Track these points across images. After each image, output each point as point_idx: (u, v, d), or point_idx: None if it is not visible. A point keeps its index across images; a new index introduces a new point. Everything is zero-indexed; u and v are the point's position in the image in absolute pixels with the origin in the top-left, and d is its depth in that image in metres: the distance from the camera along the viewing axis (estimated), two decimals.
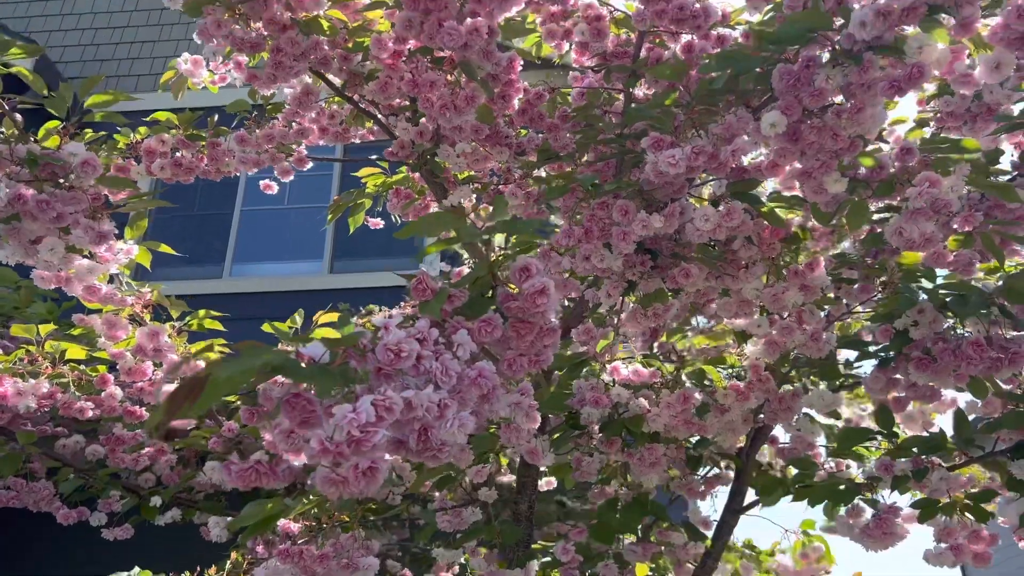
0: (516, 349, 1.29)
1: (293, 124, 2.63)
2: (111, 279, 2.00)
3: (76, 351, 2.36)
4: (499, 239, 2.75)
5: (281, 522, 1.98)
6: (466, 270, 1.39)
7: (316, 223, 5.91)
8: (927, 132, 2.17)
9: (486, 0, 1.63)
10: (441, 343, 1.11)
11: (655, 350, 2.76)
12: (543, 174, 2.66)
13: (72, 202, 1.64)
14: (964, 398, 2.23)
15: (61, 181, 1.68)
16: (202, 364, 2.23)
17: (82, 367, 2.49)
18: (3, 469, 2.56)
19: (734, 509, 2.72)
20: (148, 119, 2.51)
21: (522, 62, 2.10)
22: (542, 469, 2.64)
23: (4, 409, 2.42)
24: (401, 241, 5.40)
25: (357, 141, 2.82)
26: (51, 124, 1.75)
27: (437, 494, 2.87)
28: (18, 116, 1.69)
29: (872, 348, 2.26)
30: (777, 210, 1.93)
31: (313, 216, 5.97)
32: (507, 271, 1.28)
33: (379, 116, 2.61)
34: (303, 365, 0.91)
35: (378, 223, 3.43)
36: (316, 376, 0.90)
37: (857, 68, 1.45)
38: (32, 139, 1.73)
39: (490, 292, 1.32)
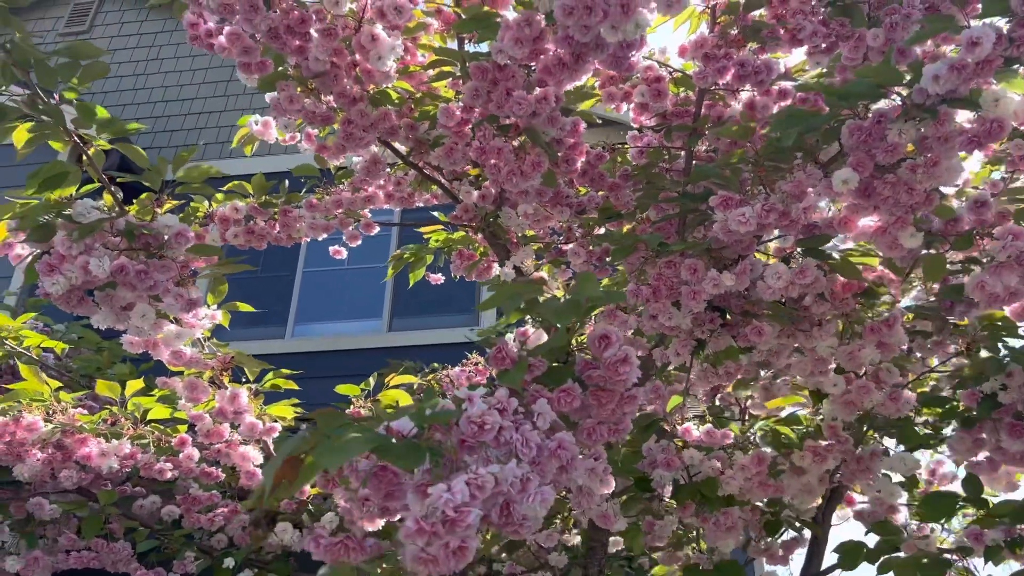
0: (596, 417, 1.28)
1: (360, 191, 2.70)
2: (194, 343, 2.07)
3: (160, 411, 2.43)
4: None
5: None
6: (530, 329, 1.40)
7: (375, 283, 6.02)
8: (996, 175, 2.13)
9: (556, 71, 1.67)
10: (520, 412, 1.11)
11: (717, 402, 2.71)
12: (604, 232, 2.68)
13: (163, 270, 1.70)
14: None
15: (153, 251, 1.76)
16: (278, 427, 2.28)
17: (162, 428, 2.55)
18: (86, 531, 2.62)
19: (812, 574, 2.62)
20: (225, 188, 2.61)
21: (585, 124, 2.13)
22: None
23: (87, 469, 2.49)
24: (459, 298, 5.44)
25: (421, 205, 2.89)
26: (143, 197, 1.84)
27: (503, 556, 2.83)
28: (118, 191, 1.78)
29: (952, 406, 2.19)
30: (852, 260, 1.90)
31: (372, 276, 6.08)
32: (583, 339, 1.28)
33: (443, 181, 2.67)
34: (394, 441, 0.92)
35: (439, 279, 3.48)
36: (407, 455, 0.90)
37: (933, 122, 1.44)
38: (123, 209, 1.81)
39: (567, 358, 1.32)
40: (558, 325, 1.21)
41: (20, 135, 1.80)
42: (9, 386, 2.49)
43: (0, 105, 1.72)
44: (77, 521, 2.84)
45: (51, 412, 2.40)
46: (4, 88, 1.73)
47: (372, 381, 2.43)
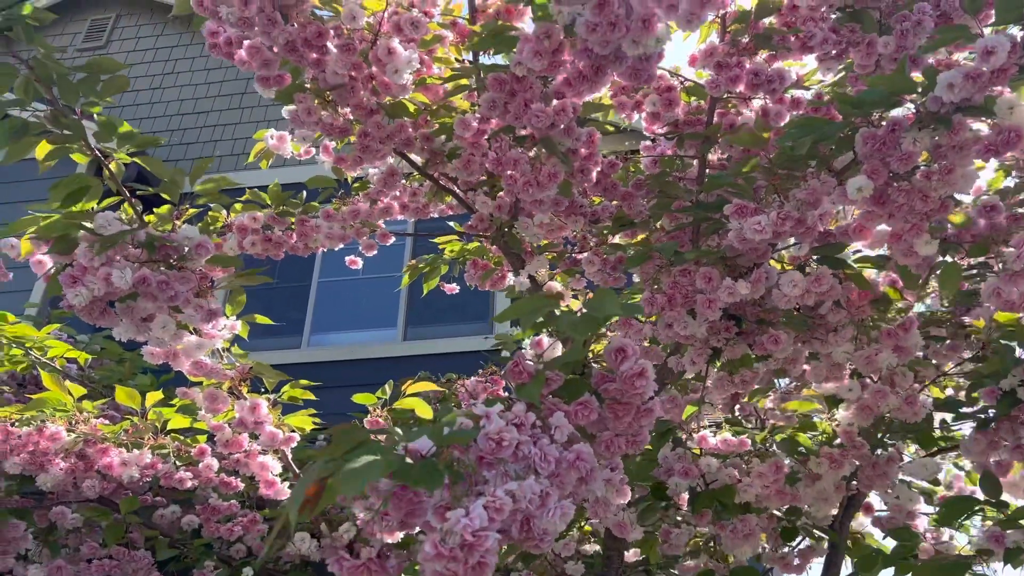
0: (613, 430, 1.28)
1: (376, 202, 2.73)
2: (214, 353, 2.09)
3: (180, 420, 2.46)
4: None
5: None
6: (546, 340, 1.41)
7: (389, 292, 6.05)
8: (1011, 181, 2.13)
9: (576, 83, 1.69)
10: (537, 426, 1.12)
11: (736, 413, 2.71)
12: (618, 241, 2.69)
13: (183, 281, 1.73)
14: None
15: (172, 262, 1.79)
16: (297, 437, 2.30)
17: (182, 437, 2.58)
18: (108, 540, 2.65)
19: None
20: (243, 198, 2.65)
21: (600, 135, 2.15)
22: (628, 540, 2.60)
23: (108, 479, 2.52)
24: (473, 306, 5.45)
25: (436, 215, 2.91)
26: (163, 209, 1.87)
27: (519, 565, 2.84)
28: (138, 203, 1.81)
29: (969, 409, 2.18)
30: (864, 271, 1.90)
31: (386, 286, 6.11)
32: (600, 349, 1.30)
33: (458, 192, 2.69)
34: (410, 462, 0.94)
35: (454, 288, 3.50)
36: (426, 477, 0.92)
37: (947, 130, 1.45)
38: (143, 221, 1.84)
39: (583, 370, 1.32)
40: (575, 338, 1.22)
41: (43, 149, 1.83)
42: (33, 396, 2.53)
43: (22, 120, 1.76)
44: (99, 530, 2.87)
45: (73, 422, 2.44)
46: (28, 104, 1.76)
47: (388, 390, 2.44)
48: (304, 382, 2.55)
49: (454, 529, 0.86)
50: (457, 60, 2.31)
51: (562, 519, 0.98)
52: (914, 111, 1.58)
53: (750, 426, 2.57)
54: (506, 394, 2.70)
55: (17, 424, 2.37)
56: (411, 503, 0.96)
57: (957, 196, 1.72)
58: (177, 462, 2.53)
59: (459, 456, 1.01)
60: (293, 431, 2.29)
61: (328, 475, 0.88)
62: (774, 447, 2.30)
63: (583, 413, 1.18)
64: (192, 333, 1.92)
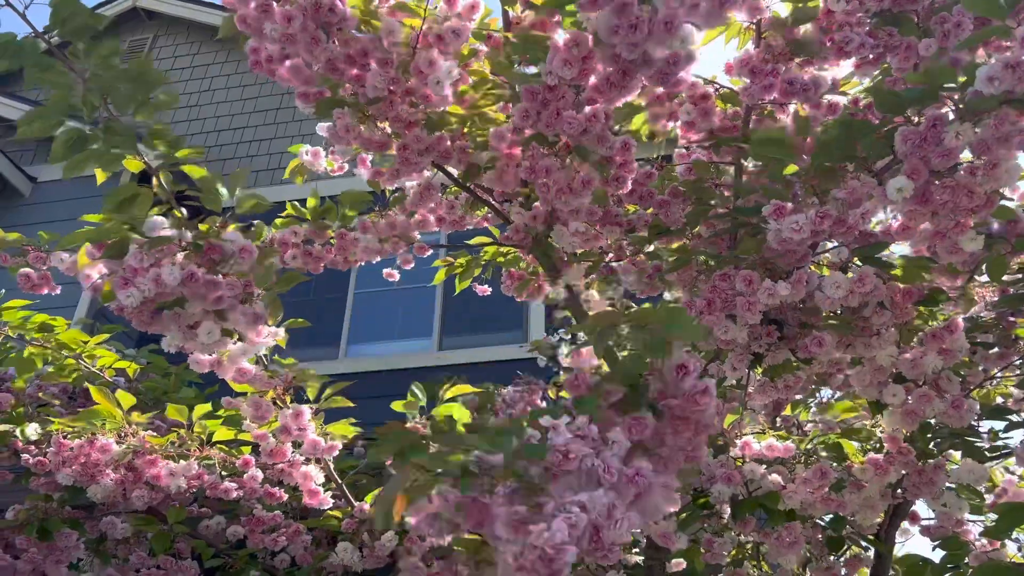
0: (672, 445, 1.28)
1: (414, 214, 2.76)
2: (257, 360, 2.13)
3: (224, 432, 2.50)
4: None
5: None
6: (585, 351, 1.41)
7: (424, 303, 6.10)
8: None
9: (606, 90, 1.71)
10: (596, 439, 1.13)
11: (778, 424, 2.68)
12: (655, 249, 2.68)
13: (229, 287, 1.77)
14: None
15: (217, 267, 1.82)
16: (339, 445, 2.33)
17: (227, 448, 2.63)
18: (155, 548, 2.71)
19: None
20: (283, 214, 2.70)
21: (636, 144, 2.15)
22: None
23: (156, 489, 2.57)
24: (507, 315, 5.45)
25: (471, 227, 2.93)
26: (210, 219, 1.91)
27: None
28: (184, 212, 1.85)
29: (1018, 418, 2.14)
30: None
31: (421, 296, 6.16)
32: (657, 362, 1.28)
33: (493, 203, 2.71)
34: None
35: (486, 289, 3.52)
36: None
37: (994, 121, 1.43)
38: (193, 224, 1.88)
39: (639, 384, 1.32)
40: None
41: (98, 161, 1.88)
42: (83, 409, 2.60)
43: (79, 131, 1.80)
44: (147, 540, 2.93)
45: (123, 434, 2.50)
46: (88, 116, 1.80)
47: (420, 394, 2.46)
48: (342, 388, 2.59)
49: (536, 543, 0.88)
50: (493, 74, 2.34)
51: (628, 530, 0.98)
52: (953, 109, 1.56)
53: (792, 435, 2.55)
54: (543, 404, 2.70)
55: (69, 436, 2.43)
56: (480, 513, 0.98)
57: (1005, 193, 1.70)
58: (223, 473, 2.58)
59: (527, 466, 1.02)
60: (335, 440, 2.32)
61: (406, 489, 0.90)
62: (819, 451, 2.27)
63: (636, 429, 1.18)
64: (236, 340, 1.95)
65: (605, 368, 1.29)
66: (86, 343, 2.86)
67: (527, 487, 1.00)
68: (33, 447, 2.63)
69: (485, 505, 0.97)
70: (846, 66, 2.14)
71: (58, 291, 2.36)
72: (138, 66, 1.71)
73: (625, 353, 1.31)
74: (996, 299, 2.10)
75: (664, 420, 1.22)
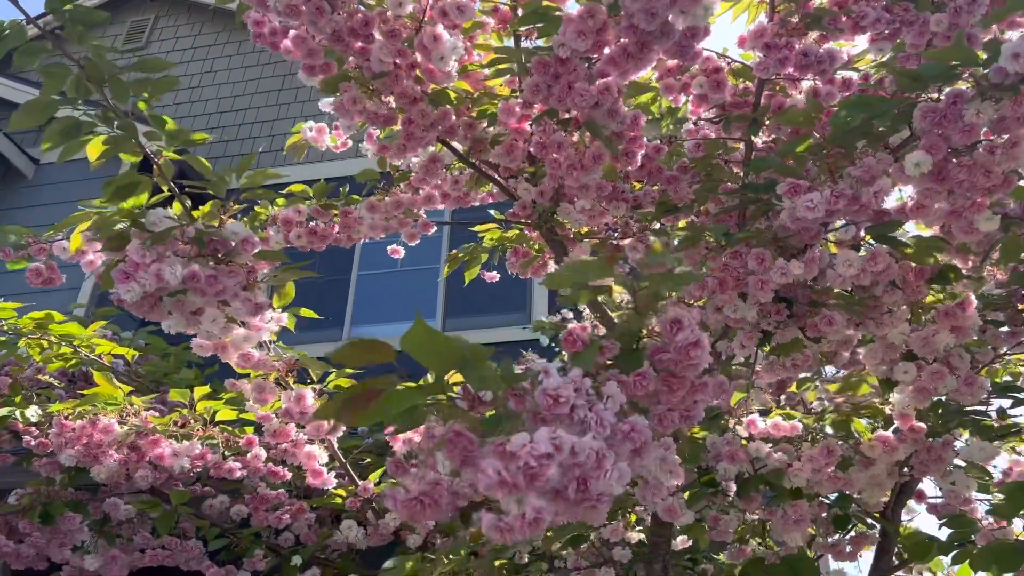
0: (666, 404, 1.27)
1: (419, 191, 2.73)
2: (260, 345, 2.11)
3: (227, 413, 2.49)
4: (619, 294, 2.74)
5: None
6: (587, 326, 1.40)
7: (428, 284, 6.07)
8: None
9: (621, 61, 1.67)
10: (591, 394, 1.11)
11: (783, 402, 2.67)
12: (662, 227, 2.65)
13: (232, 276, 1.75)
14: None
15: (220, 257, 1.80)
16: (343, 427, 2.31)
17: (230, 428, 2.62)
18: (160, 530, 2.70)
19: (882, 570, 2.56)
20: (285, 191, 2.67)
21: (645, 118, 2.12)
22: (675, 527, 2.57)
23: (160, 469, 2.56)
24: (511, 296, 5.44)
25: (476, 204, 2.90)
26: (206, 207, 1.89)
27: (565, 552, 2.83)
28: (187, 200, 1.83)
29: None
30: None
31: (424, 277, 6.14)
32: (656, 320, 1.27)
33: (499, 179, 2.68)
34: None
35: (494, 276, 3.50)
36: (486, 422, 0.91)
37: (1011, 101, 1.40)
38: (192, 216, 1.86)
39: (637, 343, 1.31)
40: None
41: (94, 148, 1.85)
42: (84, 391, 2.58)
43: (75, 120, 1.78)
44: (151, 520, 2.92)
45: (125, 415, 2.48)
46: (78, 103, 1.78)
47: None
48: (349, 372, 2.57)
49: (517, 452, 0.85)
50: (498, 47, 2.30)
51: (619, 482, 0.96)
52: (974, 85, 1.53)
53: (798, 413, 2.54)
54: None
55: (71, 418, 2.42)
56: (466, 449, 0.95)
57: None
58: (226, 452, 2.57)
59: (515, 407, 1.00)
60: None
61: (385, 387, 0.87)
62: (827, 429, 2.26)
63: (640, 383, 1.16)
64: (240, 326, 1.93)
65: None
66: (84, 333, 2.85)
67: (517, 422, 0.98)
68: (35, 428, 2.62)
69: (470, 440, 0.95)
70: (861, 41, 2.11)
71: (63, 280, 2.34)
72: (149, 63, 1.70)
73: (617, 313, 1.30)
74: (1006, 277, 2.08)
75: (657, 378, 1.21)
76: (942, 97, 1.55)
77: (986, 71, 1.47)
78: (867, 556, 2.65)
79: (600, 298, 1.37)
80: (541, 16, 1.81)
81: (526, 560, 2.72)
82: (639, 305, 1.23)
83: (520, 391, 1.03)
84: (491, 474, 0.86)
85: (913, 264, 1.85)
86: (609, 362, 1.24)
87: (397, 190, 2.74)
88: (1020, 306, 2.14)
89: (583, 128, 2.00)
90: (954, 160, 1.59)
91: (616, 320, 1.29)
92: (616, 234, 2.81)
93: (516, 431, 0.94)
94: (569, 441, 0.92)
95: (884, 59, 2.18)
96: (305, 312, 2.27)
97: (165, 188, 1.88)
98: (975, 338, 2.08)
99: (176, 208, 1.80)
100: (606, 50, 1.73)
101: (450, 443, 0.97)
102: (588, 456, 0.95)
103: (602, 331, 1.36)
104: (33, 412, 2.54)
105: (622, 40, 1.67)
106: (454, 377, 1.03)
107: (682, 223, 2.58)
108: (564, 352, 1.23)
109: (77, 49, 1.75)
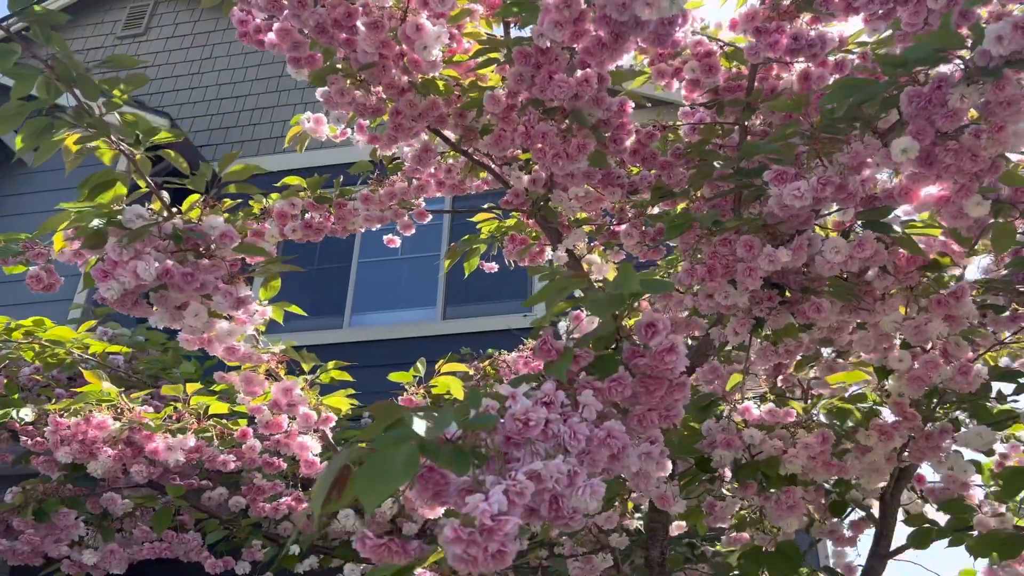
0: (645, 404, 1.26)
1: (413, 180, 2.72)
2: (247, 338, 2.11)
3: (219, 406, 2.50)
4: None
5: (417, 570, 2.01)
6: (584, 314, 1.39)
7: (428, 272, 6.07)
8: None
9: (596, 52, 1.65)
10: (567, 405, 1.11)
11: (779, 384, 2.65)
12: (657, 212, 2.63)
13: (212, 270, 1.74)
14: None
15: (202, 251, 1.80)
16: (334, 418, 2.31)
17: (224, 421, 2.63)
18: (158, 523, 2.72)
19: (880, 554, 2.56)
20: (279, 184, 2.66)
21: (633, 104, 2.10)
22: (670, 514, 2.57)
23: (155, 463, 2.58)
24: (512, 285, 5.44)
25: (472, 192, 2.89)
26: (192, 198, 1.88)
27: (564, 539, 2.83)
28: (165, 194, 1.82)
29: None
30: (914, 236, 1.83)
31: (425, 265, 6.14)
32: (632, 324, 1.26)
33: (493, 167, 2.66)
34: (441, 447, 0.93)
35: (492, 267, 3.49)
36: (453, 461, 0.91)
37: (995, 85, 1.37)
38: (177, 212, 1.85)
39: (614, 346, 1.30)
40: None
41: (70, 146, 1.85)
42: (76, 390, 2.60)
43: (47, 121, 1.77)
44: (151, 514, 2.95)
45: (119, 411, 2.49)
46: (48, 103, 1.76)
47: (422, 368, 2.45)
48: (341, 363, 2.57)
49: (472, 513, 0.85)
50: (487, 35, 2.27)
51: (592, 497, 0.96)
52: (961, 68, 1.50)
53: (794, 398, 2.52)
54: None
55: (66, 415, 2.43)
56: (438, 484, 0.96)
57: (1013, 157, 1.64)
58: (220, 445, 2.57)
59: (485, 437, 1.00)
60: (331, 411, 2.31)
61: (356, 461, 0.87)
62: (820, 417, 2.24)
63: (617, 389, 1.16)
64: (226, 319, 1.93)
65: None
66: (74, 336, 2.86)
67: (483, 459, 0.98)
68: (31, 427, 2.64)
69: (443, 475, 0.95)
70: (855, 22, 2.07)
71: (61, 282, 2.34)
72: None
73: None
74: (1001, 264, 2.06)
75: (635, 380, 1.20)
76: (930, 80, 1.52)
77: (972, 54, 1.44)
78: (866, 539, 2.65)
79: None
80: (523, 5, 1.79)
81: (526, 546, 2.73)
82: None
83: (479, 441, 1.02)
84: (448, 533, 0.86)
85: (903, 250, 1.83)
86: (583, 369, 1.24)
87: (391, 180, 2.73)
88: (1019, 289, 2.12)
89: (569, 117, 1.98)
90: (941, 144, 1.57)
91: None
92: (612, 220, 2.79)
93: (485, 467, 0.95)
94: (531, 485, 0.92)
95: (878, 37, 2.14)
96: (292, 308, 2.27)
97: (143, 185, 1.87)
98: (972, 325, 2.06)
99: (155, 205, 1.79)
100: (584, 39, 1.70)
101: (422, 480, 0.97)
102: (558, 479, 0.96)
103: (595, 323, 1.35)
104: (27, 412, 2.56)
105: (597, 31, 1.64)
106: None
107: (678, 208, 2.56)
108: (535, 353, 1.22)
109: (48, 50, 1.74)
